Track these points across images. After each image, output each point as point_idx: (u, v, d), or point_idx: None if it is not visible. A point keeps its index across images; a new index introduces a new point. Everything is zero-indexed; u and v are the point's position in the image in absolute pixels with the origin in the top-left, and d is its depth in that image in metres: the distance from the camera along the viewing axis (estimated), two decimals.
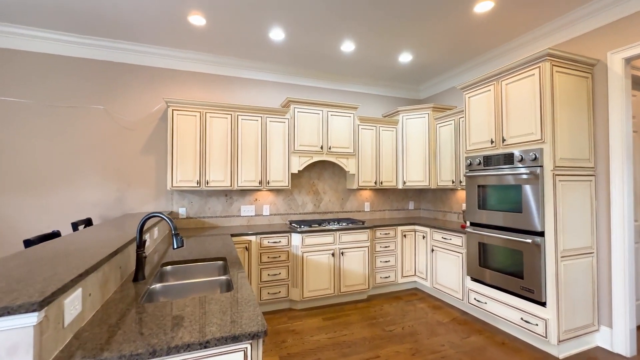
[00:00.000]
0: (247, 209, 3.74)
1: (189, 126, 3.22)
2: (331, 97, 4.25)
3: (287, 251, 3.30)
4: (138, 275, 1.60)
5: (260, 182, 3.48)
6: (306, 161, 3.67)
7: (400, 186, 4.15)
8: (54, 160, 3.06)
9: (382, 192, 4.49)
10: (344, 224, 3.54)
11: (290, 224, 3.61)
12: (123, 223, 2.42)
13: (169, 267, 1.93)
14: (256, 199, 3.81)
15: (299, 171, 3.99)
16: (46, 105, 3.05)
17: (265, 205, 3.84)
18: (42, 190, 3.02)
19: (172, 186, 3.16)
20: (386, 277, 3.73)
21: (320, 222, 3.58)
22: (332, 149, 3.76)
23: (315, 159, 3.70)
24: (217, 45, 3.30)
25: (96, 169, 3.19)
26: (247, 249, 3.14)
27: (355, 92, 4.41)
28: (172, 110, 3.17)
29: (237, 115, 3.41)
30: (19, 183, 2.97)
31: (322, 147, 3.71)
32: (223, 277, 1.72)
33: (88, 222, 2.84)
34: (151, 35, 3.09)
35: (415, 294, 3.74)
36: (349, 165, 3.86)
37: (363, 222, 3.71)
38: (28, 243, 1.87)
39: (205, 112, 3.29)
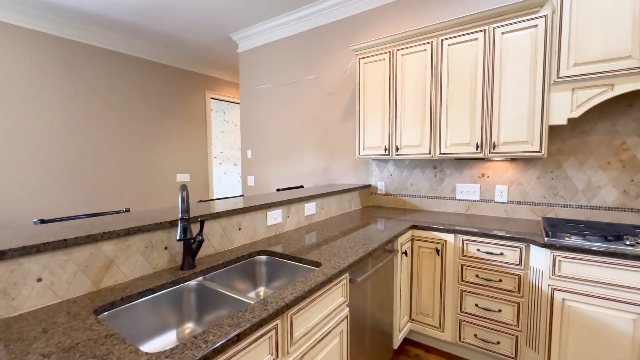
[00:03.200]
0: (466, 189, 2.41)
1: (377, 75, 2.45)
2: None
3: (518, 276, 1.73)
4: (184, 263, 1.26)
5: (478, 146, 2.05)
6: (593, 96, 1.71)
7: None
8: (284, 133, 3.48)
9: None
10: None
11: (547, 224, 1.88)
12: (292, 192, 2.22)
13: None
14: (482, 174, 2.35)
15: (570, 120, 1.99)
16: (278, 86, 3.49)
17: (499, 185, 2.29)
18: (279, 159, 3.54)
19: (359, 155, 2.60)
20: None
21: (624, 233, 1.57)
22: None
23: (623, 87, 1.63)
24: None
25: (310, 139, 3.28)
26: (438, 252, 1.97)
27: None
28: (359, 59, 2.54)
29: (441, 39, 2.15)
30: (264, 152, 3.68)
31: None
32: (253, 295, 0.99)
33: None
34: None
35: None
36: None
37: None
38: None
39: (396, 50, 2.34)
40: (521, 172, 2.21)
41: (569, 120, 2.04)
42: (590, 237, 1.55)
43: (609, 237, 1.54)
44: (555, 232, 1.63)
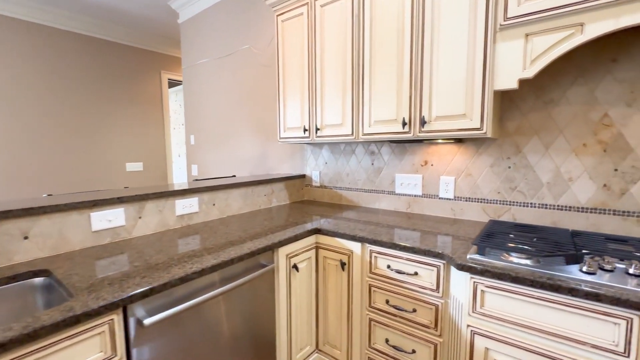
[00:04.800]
0: (406, 181, 1.88)
1: (296, 36, 1.92)
2: None
3: (435, 306, 1.23)
4: None
5: (405, 123, 1.52)
6: (555, 43, 1.15)
7: None
8: (224, 114, 3.01)
9: None
10: None
11: (487, 231, 1.34)
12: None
13: None
14: (425, 162, 1.81)
15: (524, 83, 1.41)
16: (216, 59, 3.01)
17: (444, 176, 1.75)
18: (220, 145, 3.09)
19: (280, 137, 2.10)
20: None
21: (591, 250, 1.03)
22: None
23: (598, 27, 1.06)
24: None
25: (246, 121, 2.80)
26: (343, 266, 1.48)
27: None
28: (277, 17, 2.01)
29: None
30: (207, 137, 3.23)
31: None
32: None
33: None
34: None
35: None
36: None
37: None
38: None
39: (314, 1, 1.81)
40: (471, 159, 1.66)
41: (521, 82, 1.46)
42: (536, 256, 1.02)
43: (568, 256, 1.01)
44: (486, 245, 1.10)
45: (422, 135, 1.47)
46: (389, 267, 1.34)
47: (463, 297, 1.12)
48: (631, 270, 0.91)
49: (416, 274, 1.27)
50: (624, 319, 0.83)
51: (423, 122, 1.45)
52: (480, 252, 1.11)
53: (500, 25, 1.23)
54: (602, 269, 0.95)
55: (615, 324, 0.85)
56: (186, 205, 1.64)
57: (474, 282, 1.06)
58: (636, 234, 1.28)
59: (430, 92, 1.44)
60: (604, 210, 1.34)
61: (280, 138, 2.09)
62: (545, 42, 1.16)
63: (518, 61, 1.22)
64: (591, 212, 1.37)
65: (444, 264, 1.19)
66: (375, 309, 1.40)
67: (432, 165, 1.78)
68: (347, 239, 1.46)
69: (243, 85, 2.77)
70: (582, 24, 1.09)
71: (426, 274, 1.24)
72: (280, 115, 2.07)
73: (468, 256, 1.10)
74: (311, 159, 2.34)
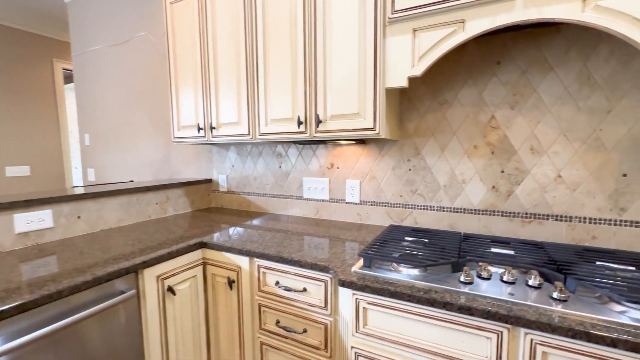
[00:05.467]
0: (314, 185, 1.76)
1: (187, 22, 1.67)
2: None
3: (325, 325, 1.09)
4: None
5: (301, 122, 1.38)
6: (440, 40, 1.10)
7: None
8: (122, 110, 2.60)
9: None
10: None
11: (380, 238, 1.25)
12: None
13: None
14: (331, 164, 1.71)
15: (415, 82, 1.39)
16: (109, 46, 2.59)
17: (350, 179, 1.66)
18: (120, 146, 2.67)
19: (174, 137, 1.83)
20: None
21: (472, 255, 0.97)
22: None
23: (477, 25, 1.03)
24: None
25: (147, 118, 2.44)
26: (231, 284, 1.28)
27: None
28: (167, 2, 1.75)
29: None
30: (104, 137, 2.78)
31: None
32: None
33: None
34: None
35: None
36: None
37: None
38: None
39: None
40: (375, 161, 1.58)
41: (415, 81, 1.43)
42: (422, 265, 0.94)
43: (452, 263, 0.94)
44: (372, 256, 0.99)
45: (319, 135, 1.35)
46: (277, 283, 1.18)
47: (348, 315, 1.00)
48: (505, 277, 0.87)
49: (305, 290, 1.12)
50: (495, 333, 0.77)
51: (318, 122, 1.33)
52: (366, 264, 1.00)
53: (389, 18, 1.15)
54: (480, 276, 0.90)
55: (488, 338, 0.78)
56: (33, 220, 1.29)
57: (356, 298, 0.94)
58: (521, 234, 1.31)
59: (325, 89, 1.32)
60: (494, 211, 1.35)
61: (175, 138, 1.82)
62: (431, 39, 1.10)
63: (407, 58, 1.15)
64: (482, 214, 1.37)
65: (330, 278, 1.06)
66: (266, 331, 1.23)
67: (338, 168, 1.68)
68: (234, 253, 1.26)
69: (142, 78, 2.41)
70: (463, 21, 1.05)
71: (315, 290, 1.10)
72: (173, 112, 1.80)
73: (352, 269, 0.99)
74: (218, 162, 2.10)
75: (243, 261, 1.25)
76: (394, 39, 1.16)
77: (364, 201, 1.63)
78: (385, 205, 1.57)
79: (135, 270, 1.09)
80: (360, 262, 1.04)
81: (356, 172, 1.63)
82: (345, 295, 1.00)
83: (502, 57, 1.28)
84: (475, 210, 1.39)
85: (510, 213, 1.32)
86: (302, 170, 1.79)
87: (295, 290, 1.13)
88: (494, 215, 1.35)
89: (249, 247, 1.23)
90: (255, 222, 1.67)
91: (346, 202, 1.67)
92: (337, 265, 1.04)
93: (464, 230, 1.41)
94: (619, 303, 0.73)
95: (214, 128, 1.64)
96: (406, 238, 1.24)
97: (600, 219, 1.18)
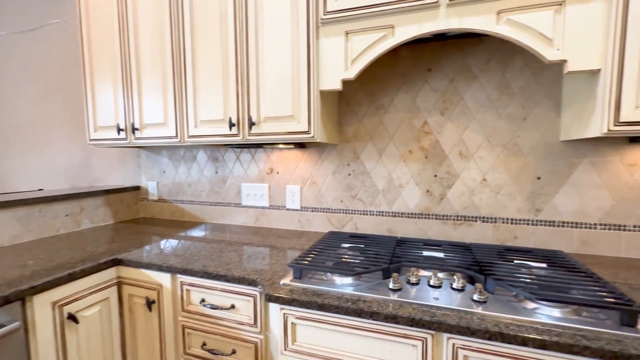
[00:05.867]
0: (252, 192, 1.66)
1: (104, 9, 1.49)
2: None
3: (254, 344, 1.00)
4: None
5: (233, 124, 1.28)
6: (371, 44, 1.09)
7: None
8: (33, 108, 2.25)
9: None
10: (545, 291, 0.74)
11: (317, 245, 1.20)
12: None
13: None
14: (271, 169, 1.63)
15: (349, 86, 1.40)
16: (16, 33, 2.24)
17: (290, 185, 1.59)
18: (31, 148, 2.30)
19: (89, 139, 1.61)
20: None
21: (402, 260, 0.95)
22: None
23: (406, 31, 1.04)
24: None
25: (61, 117, 2.14)
26: (149, 305, 1.13)
27: None
28: None
29: None
30: (10, 138, 2.39)
31: None
32: None
33: None
34: None
35: None
36: (567, 41, 0.88)
37: None
38: None
39: None
40: (315, 166, 1.54)
41: (349, 84, 1.43)
42: (354, 274, 0.89)
43: (383, 270, 0.91)
44: (304, 267, 0.93)
45: (252, 138, 1.27)
46: (203, 301, 1.06)
47: (278, 332, 0.93)
48: (432, 282, 0.86)
49: (233, 307, 1.02)
50: (420, 340, 0.75)
51: (251, 124, 1.25)
52: (297, 275, 0.94)
53: (322, 19, 1.12)
54: (409, 282, 0.88)
55: (414, 346, 0.76)
56: None
57: (284, 313, 0.87)
58: (453, 237, 1.35)
59: (258, 90, 1.24)
60: (428, 215, 1.38)
61: (91, 140, 1.60)
62: (363, 42, 1.09)
63: (340, 60, 1.13)
64: (418, 218, 1.40)
65: (259, 292, 0.98)
66: (192, 355, 1.10)
67: (278, 173, 1.61)
68: (154, 270, 1.12)
69: (55, 71, 2.11)
70: (392, 27, 1.06)
71: (244, 307, 1.01)
72: (88, 110, 1.58)
73: (281, 282, 0.92)
74: (147, 168, 1.90)
75: (164, 278, 1.11)
76: (328, 41, 1.14)
77: (305, 207, 1.57)
78: (326, 211, 1.54)
79: (21, 298, 0.91)
80: (291, 273, 0.97)
81: (297, 178, 1.58)
82: (274, 311, 0.93)
83: (432, 65, 1.32)
84: (411, 214, 1.40)
85: (443, 216, 1.36)
86: (241, 175, 1.68)
87: (222, 308, 1.03)
88: (429, 218, 1.38)
89: (171, 263, 1.10)
90: (187, 233, 1.53)
91: (287, 209, 1.60)
92: (267, 278, 0.97)
93: (401, 235, 1.42)
94: (532, 301, 0.76)
95: (137, 129, 1.47)
96: (343, 245, 1.21)
97: (520, 220, 1.26)
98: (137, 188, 1.92)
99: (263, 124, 1.24)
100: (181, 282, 1.08)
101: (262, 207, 1.65)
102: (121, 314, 1.21)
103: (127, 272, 1.17)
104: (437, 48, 1.31)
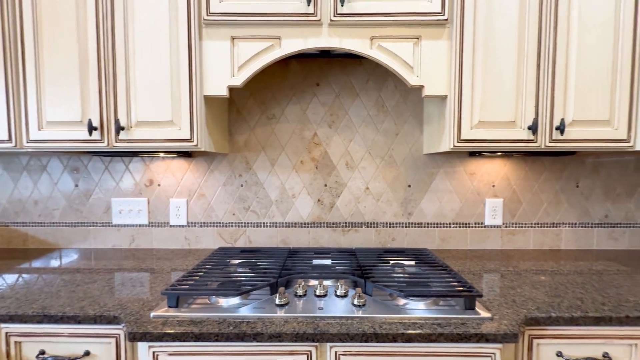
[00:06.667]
0: (127, 207, 1.42)
1: None
2: None
3: None
4: None
5: (95, 129, 1.07)
6: (258, 53, 1.06)
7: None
8: None
9: (551, 162, 1.41)
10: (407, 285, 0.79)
11: (203, 264, 1.09)
12: None
13: None
14: (150, 181, 1.43)
15: (236, 92, 1.39)
16: None
17: (175, 198, 1.43)
18: None
19: None
20: None
21: (291, 272, 0.93)
22: (349, 17, 1.01)
23: (291, 44, 1.04)
24: None
25: None
26: None
27: None
28: None
29: None
30: None
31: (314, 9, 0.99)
32: None
33: None
34: None
35: None
36: (424, 69, 1.04)
37: (480, 294, 0.84)
38: None
39: None
40: (203, 177, 1.42)
41: (236, 90, 1.39)
42: (240, 292, 0.82)
43: (270, 285, 0.87)
44: (179, 291, 0.82)
45: (121, 145, 1.08)
46: (42, 354, 0.82)
47: None
48: (317, 292, 0.87)
49: (88, 354, 0.82)
50: (304, 354, 0.74)
51: (120, 128, 1.06)
52: (172, 303, 0.82)
53: (205, 20, 1.04)
54: (296, 295, 0.87)
55: None
56: None
57: (154, 352, 0.75)
58: (342, 243, 1.42)
59: (127, 89, 1.07)
60: (320, 223, 1.43)
61: None
62: (251, 50, 1.06)
63: (226, 65, 1.07)
64: (311, 227, 1.43)
65: (124, 331, 0.82)
66: None
67: (159, 185, 1.42)
68: None
69: None
70: (279, 38, 1.06)
71: (102, 351, 0.82)
72: None
73: (152, 314, 0.78)
74: None
75: None
76: (212, 43, 1.06)
77: (192, 223, 1.42)
78: (217, 226, 1.42)
79: None
80: (164, 302, 0.84)
81: (182, 190, 1.42)
82: (143, 351, 0.78)
83: (320, 80, 1.39)
84: (304, 223, 1.42)
85: (333, 224, 1.43)
86: (111, 189, 1.42)
87: (72, 358, 0.82)
88: (320, 227, 1.43)
89: None
90: (30, 264, 1.19)
91: (170, 225, 1.42)
92: (134, 311, 0.81)
93: (295, 245, 1.42)
94: (402, 298, 0.84)
95: None
96: (232, 262, 1.13)
97: (396, 223, 1.41)
98: None
99: (135, 130, 1.07)
100: (6, 333, 0.82)
101: (140, 225, 1.42)
102: None
103: None
104: (324, 64, 1.38)
